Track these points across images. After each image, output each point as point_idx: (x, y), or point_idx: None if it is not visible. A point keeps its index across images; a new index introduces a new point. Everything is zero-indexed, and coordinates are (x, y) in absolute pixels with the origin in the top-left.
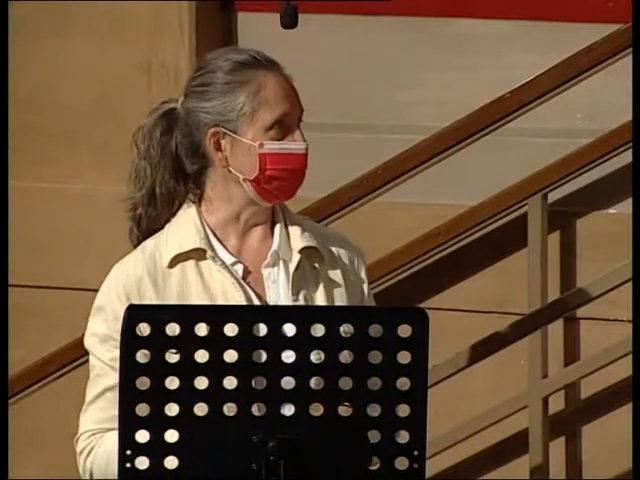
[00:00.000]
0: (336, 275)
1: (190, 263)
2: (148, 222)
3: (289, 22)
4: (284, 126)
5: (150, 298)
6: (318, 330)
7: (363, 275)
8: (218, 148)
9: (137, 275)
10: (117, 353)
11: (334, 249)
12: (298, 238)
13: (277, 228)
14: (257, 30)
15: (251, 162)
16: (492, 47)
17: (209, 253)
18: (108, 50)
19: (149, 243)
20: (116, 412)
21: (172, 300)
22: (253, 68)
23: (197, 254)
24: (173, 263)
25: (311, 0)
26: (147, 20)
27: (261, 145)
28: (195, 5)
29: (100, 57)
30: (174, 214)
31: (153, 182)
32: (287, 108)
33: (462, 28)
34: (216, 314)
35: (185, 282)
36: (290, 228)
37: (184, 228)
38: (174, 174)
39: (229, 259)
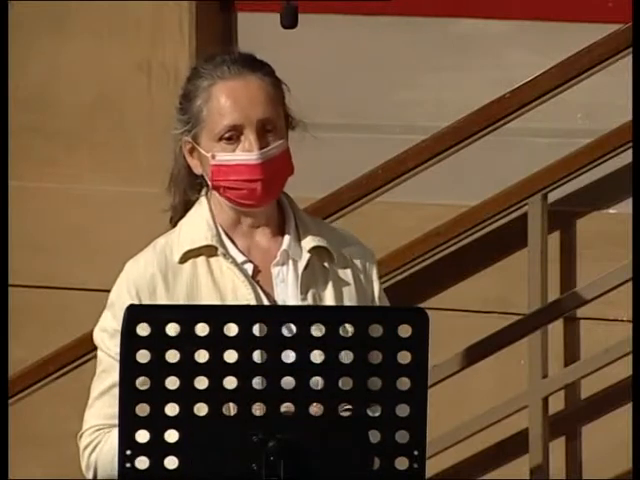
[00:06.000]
0: (346, 275)
1: (201, 260)
2: None
3: (289, 22)
4: (235, 136)
5: (160, 294)
6: (318, 330)
7: (374, 276)
8: (191, 156)
9: (148, 272)
10: None
11: (345, 249)
12: (308, 237)
13: (287, 227)
14: (257, 30)
15: (209, 171)
16: (492, 47)
17: (220, 250)
18: (108, 50)
19: (160, 240)
20: None
21: (182, 296)
22: (211, 77)
23: (208, 251)
24: (184, 259)
25: (311, 0)
26: (147, 20)
27: (213, 157)
28: (195, 5)
29: (100, 57)
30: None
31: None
32: (235, 118)
33: (462, 28)
34: (216, 314)
35: (195, 278)
36: (301, 227)
37: (197, 225)
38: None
39: (240, 257)
